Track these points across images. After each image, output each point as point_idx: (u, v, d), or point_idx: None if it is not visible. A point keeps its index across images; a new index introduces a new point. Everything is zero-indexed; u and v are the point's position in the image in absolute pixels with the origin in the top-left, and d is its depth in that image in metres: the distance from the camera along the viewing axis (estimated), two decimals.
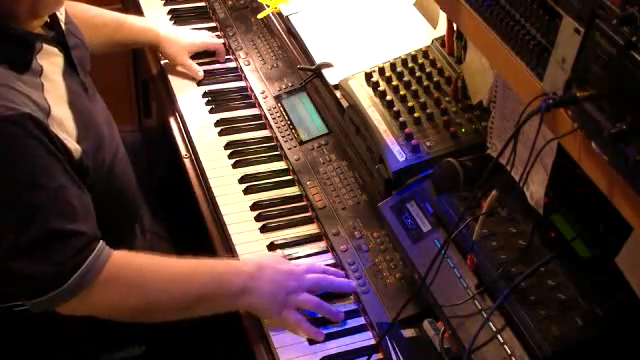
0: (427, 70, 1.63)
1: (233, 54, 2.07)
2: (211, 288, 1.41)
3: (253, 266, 1.43)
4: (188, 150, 1.82)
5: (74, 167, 1.38)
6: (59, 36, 1.48)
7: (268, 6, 2.07)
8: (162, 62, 2.05)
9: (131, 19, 1.99)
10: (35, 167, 1.29)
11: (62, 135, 1.35)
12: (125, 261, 1.40)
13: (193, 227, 1.75)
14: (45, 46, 1.41)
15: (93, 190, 1.44)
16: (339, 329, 1.41)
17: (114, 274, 1.37)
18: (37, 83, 1.35)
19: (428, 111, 1.54)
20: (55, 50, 1.45)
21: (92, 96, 1.58)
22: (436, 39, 1.69)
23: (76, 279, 1.33)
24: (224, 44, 2.09)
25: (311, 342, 1.39)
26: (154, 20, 2.10)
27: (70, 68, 1.48)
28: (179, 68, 2.02)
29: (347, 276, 1.48)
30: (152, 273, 1.42)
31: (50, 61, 1.42)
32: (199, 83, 1.99)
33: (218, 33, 2.14)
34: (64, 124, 1.37)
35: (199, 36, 2.06)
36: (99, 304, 1.40)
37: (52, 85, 1.39)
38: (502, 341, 1.16)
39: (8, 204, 1.29)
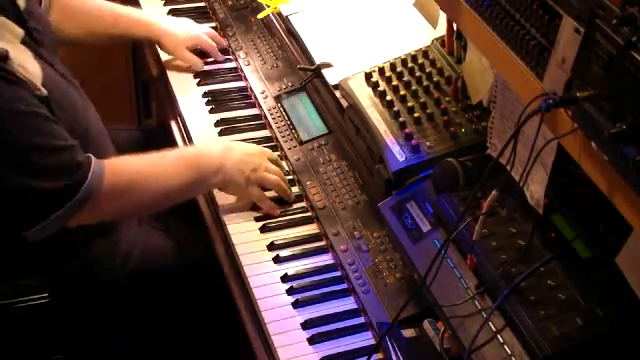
0: (427, 70, 1.63)
1: (233, 54, 2.07)
2: (194, 174, 1.59)
3: (222, 148, 1.65)
4: None
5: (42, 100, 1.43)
6: (16, 12, 1.50)
7: (268, 6, 2.07)
8: (163, 60, 2.04)
9: (128, 12, 1.99)
10: (5, 99, 1.35)
11: (23, 75, 1.39)
12: (120, 167, 1.53)
13: (193, 226, 1.75)
14: (1, 17, 1.44)
15: None
16: (339, 328, 1.42)
17: (114, 180, 1.48)
18: None
19: (428, 111, 1.54)
20: (11, 23, 1.46)
21: (62, 75, 1.59)
22: (436, 39, 1.68)
23: (85, 189, 1.43)
24: (224, 44, 2.09)
25: (311, 342, 1.39)
26: (151, 14, 2.09)
27: (32, 42, 1.51)
28: (179, 62, 2.01)
29: (347, 276, 1.48)
30: (146, 173, 1.56)
31: (6, 28, 1.44)
32: (199, 83, 1.99)
33: (216, 33, 2.13)
34: (26, 66, 1.41)
35: (196, 29, 2.04)
36: (106, 209, 1.52)
37: (9, 41, 1.43)
38: (502, 341, 1.16)
39: None
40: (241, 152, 1.65)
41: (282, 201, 1.67)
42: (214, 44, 2.05)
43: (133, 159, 1.57)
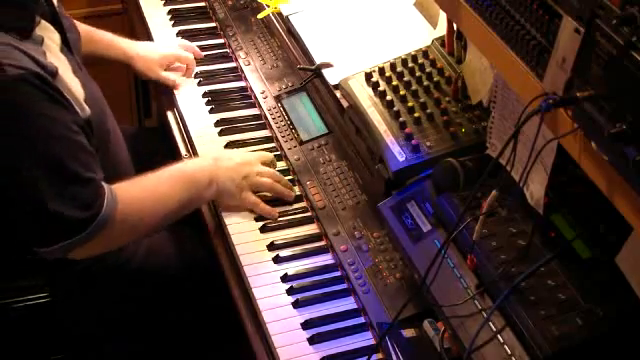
0: (427, 70, 1.63)
1: (233, 54, 2.07)
2: (190, 192, 1.59)
3: (211, 160, 1.64)
4: (188, 150, 1.82)
5: (82, 125, 1.44)
6: (53, 15, 1.51)
7: (268, 6, 2.07)
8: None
9: (102, 34, 1.97)
10: (50, 120, 1.36)
11: (70, 95, 1.41)
12: (127, 198, 1.50)
13: (194, 226, 1.75)
14: (43, 21, 1.46)
15: None
16: (339, 328, 1.42)
17: (122, 214, 1.47)
18: (40, 50, 1.40)
19: (428, 111, 1.54)
20: (50, 27, 1.48)
21: (88, 77, 1.61)
22: (436, 39, 1.69)
23: (96, 225, 1.42)
24: (224, 44, 2.09)
25: (311, 342, 1.39)
26: (123, 39, 2.03)
27: (66, 47, 1.53)
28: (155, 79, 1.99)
29: (347, 276, 1.48)
30: (149, 200, 1.55)
31: (48, 35, 1.46)
32: (199, 83, 1.99)
33: (190, 44, 2.11)
34: (71, 86, 1.43)
35: (169, 48, 2.01)
36: (110, 243, 1.52)
37: (53, 54, 1.45)
38: (502, 341, 1.16)
39: (32, 157, 1.36)
40: (231, 160, 1.64)
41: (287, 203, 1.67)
42: (190, 55, 2.02)
43: (137, 185, 1.56)
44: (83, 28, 1.90)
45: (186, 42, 2.07)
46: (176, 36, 2.14)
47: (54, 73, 1.38)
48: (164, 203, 1.56)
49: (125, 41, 2.00)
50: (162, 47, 2.03)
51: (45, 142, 1.37)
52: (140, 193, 1.55)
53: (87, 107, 1.46)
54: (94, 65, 1.82)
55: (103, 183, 1.46)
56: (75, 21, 1.89)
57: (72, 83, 1.45)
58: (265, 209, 1.63)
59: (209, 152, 1.74)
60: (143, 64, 1.97)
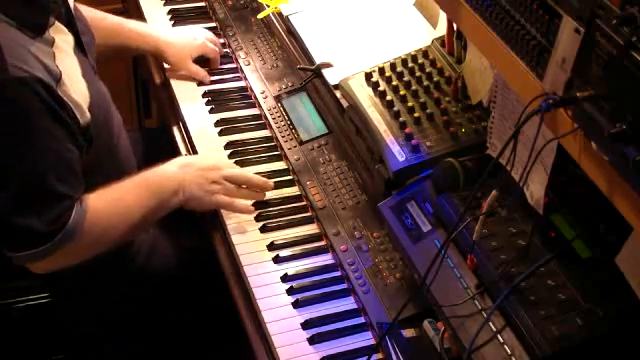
0: (427, 70, 1.63)
1: (233, 54, 2.07)
2: (155, 201, 1.57)
3: (177, 166, 1.62)
4: (188, 150, 1.82)
5: (80, 133, 1.44)
6: (68, 16, 1.51)
7: (268, 6, 2.07)
8: (166, 65, 2.03)
9: (132, 24, 1.96)
10: (40, 129, 1.35)
11: (72, 101, 1.40)
12: (96, 209, 1.48)
13: (193, 224, 1.75)
14: (57, 23, 1.45)
15: (95, 171, 1.51)
16: (339, 328, 1.42)
17: (88, 229, 1.46)
18: (49, 52, 1.40)
19: (428, 111, 1.54)
20: (65, 29, 1.48)
21: (97, 78, 1.61)
22: (436, 39, 1.69)
23: (58, 240, 1.41)
24: (224, 44, 2.09)
25: (311, 342, 1.39)
26: (154, 25, 2.08)
27: (79, 49, 1.52)
28: (183, 73, 1.99)
29: (347, 276, 1.48)
30: (114, 213, 1.53)
31: (60, 37, 1.46)
32: (199, 83, 1.99)
33: (217, 39, 2.12)
34: (76, 90, 1.42)
35: (199, 37, 2.01)
36: (73, 257, 1.49)
37: (64, 56, 1.44)
38: (502, 341, 1.16)
39: (12, 159, 1.36)
40: (197, 166, 1.62)
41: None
42: (216, 49, 2.03)
43: (106, 196, 1.53)
44: (114, 20, 1.93)
45: (213, 36, 2.06)
46: None
47: (58, 78, 1.37)
48: (132, 214, 1.55)
49: (156, 32, 1.99)
50: (192, 34, 2.01)
51: (32, 152, 1.36)
52: (109, 205, 1.53)
53: (88, 113, 1.45)
54: (108, 61, 1.83)
55: (77, 201, 1.45)
56: (105, 14, 1.92)
57: (78, 86, 1.44)
58: (241, 207, 1.62)
59: (176, 160, 1.68)
60: (174, 57, 1.97)
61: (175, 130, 1.89)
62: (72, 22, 1.52)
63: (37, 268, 1.47)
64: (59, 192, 1.40)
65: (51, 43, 1.41)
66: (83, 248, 1.48)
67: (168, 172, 1.61)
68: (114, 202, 1.54)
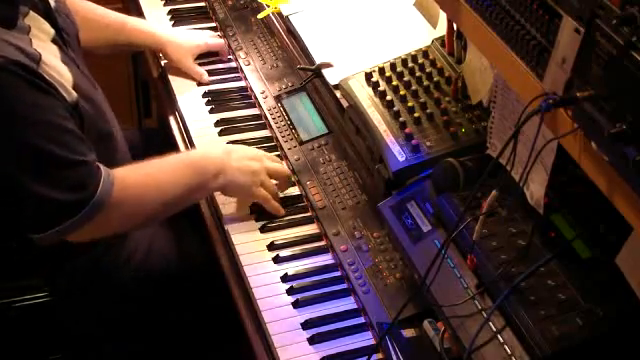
0: (427, 70, 1.63)
1: (233, 54, 2.07)
2: (195, 179, 1.56)
3: (221, 151, 1.61)
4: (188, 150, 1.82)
5: (69, 109, 1.43)
6: (46, 10, 1.50)
7: (268, 6, 2.07)
8: (162, 62, 2.04)
9: (134, 21, 1.98)
10: (32, 106, 1.35)
11: (55, 80, 1.39)
12: (127, 181, 1.48)
13: (194, 226, 1.75)
14: (32, 13, 1.44)
15: None
16: (339, 328, 1.42)
17: (119, 198, 1.45)
18: (25, 38, 1.39)
19: (428, 111, 1.54)
20: (41, 19, 1.47)
21: (88, 76, 1.60)
22: (436, 39, 1.69)
23: (90, 208, 1.40)
24: (225, 48, 2.09)
25: (311, 342, 1.39)
26: (156, 23, 2.09)
27: (61, 42, 1.51)
28: (184, 71, 2.00)
29: (347, 276, 1.48)
30: (153, 185, 1.52)
31: (37, 26, 1.45)
32: (199, 83, 1.99)
33: (219, 33, 2.14)
34: (57, 70, 1.42)
35: (201, 37, 2.04)
36: (114, 223, 1.49)
37: (41, 42, 1.43)
38: (502, 341, 1.16)
39: (17, 144, 1.35)
40: (242, 155, 1.62)
41: (287, 203, 1.67)
42: (221, 41, 2.05)
43: (138, 170, 1.54)
44: (117, 17, 1.94)
45: (216, 37, 2.07)
46: None
47: (37, 59, 1.36)
48: (166, 190, 1.53)
49: (158, 28, 2.00)
50: (193, 35, 2.04)
51: (27, 128, 1.34)
52: (141, 178, 1.52)
53: (74, 92, 1.44)
54: (103, 61, 1.83)
55: (100, 165, 1.44)
56: (108, 10, 1.93)
57: (59, 67, 1.43)
58: (274, 205, 1.62)
59: (219, 143, 1.70)
60: (175, 53, 1.98)
61: (175, 130, 1.88)
62: (50, 14, 1.51)
63: (72, 238, 1.46)
64: (70, 159, 1.39)
65: (27, 31, 1.41)
66: (114, 220, 1.48)
67: (212, 154, 1.61)
68: (147, 176, 1.53)
